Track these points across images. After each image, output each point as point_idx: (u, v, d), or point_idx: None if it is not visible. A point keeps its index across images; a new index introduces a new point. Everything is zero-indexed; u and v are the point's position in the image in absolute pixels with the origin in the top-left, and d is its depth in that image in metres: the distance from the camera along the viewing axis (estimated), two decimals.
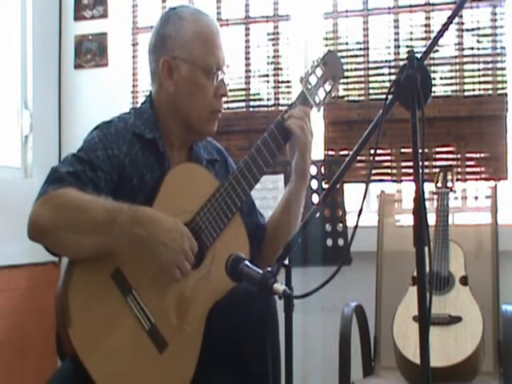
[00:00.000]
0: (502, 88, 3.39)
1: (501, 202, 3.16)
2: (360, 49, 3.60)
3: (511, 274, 3.12)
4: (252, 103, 3.74)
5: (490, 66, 3.42)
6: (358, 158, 1.79)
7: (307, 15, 3.68)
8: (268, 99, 3.73)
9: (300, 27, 3.69)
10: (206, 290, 1.96)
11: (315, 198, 2.66)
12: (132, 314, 1.85)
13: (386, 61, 3.57)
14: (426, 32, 3.51)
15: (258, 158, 2.04)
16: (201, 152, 2.15)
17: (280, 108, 3.64)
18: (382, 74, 3.59)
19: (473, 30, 3.45)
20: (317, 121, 3.51)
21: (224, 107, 2.13)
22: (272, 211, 2.21)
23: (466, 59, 3.45)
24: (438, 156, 3.45)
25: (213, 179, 2.06)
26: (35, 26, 3.76)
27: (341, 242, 2.75)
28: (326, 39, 3.65)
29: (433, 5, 3.50)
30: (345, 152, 3.55)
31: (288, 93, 3.68)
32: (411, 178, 1.52)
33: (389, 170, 3.51)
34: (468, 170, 3.41)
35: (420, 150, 1.52)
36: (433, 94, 1.57)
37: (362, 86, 3.60)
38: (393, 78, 3.47)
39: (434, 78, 3.48)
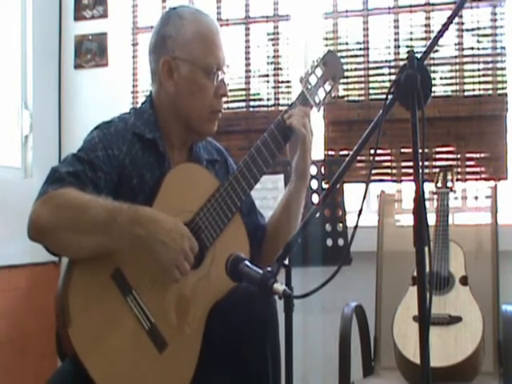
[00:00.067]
0: (502, 88, 3.39)
1: (501, 202, 3.16)
2: (360, 49, 3.60)
3: (511, 274, 3.12)
4: (252, 103, 3.74)
5: (490, 66, 3.42)
6: (358, 158, 1.80)
7: (307, 15, 3.68)
8: (268, 99, 3.73)
9: (300, 27, 3.69)
10: (206, 290, 1.96)
11: (315, 198, 2.66)
12: (132, 314, 1.85)
13: (386, 61, 3.57)
14: (426, 32, 3.51)
15: (258, 158, 2.04)
16: (201, 152, 2.15)
17: (280, 108, 3.64)
18: (382, 74, 3.59)
19: (473, 30, 3.45)
20: (317, 121, 3.51)
21: (224, 107, 2.13)
22: (272, 211, 2.21)
23: (465, 59, 3.45)
24: (438, 156, 3.45)
25: (213, 179, 2.06)
26: (35, 26, 3.76)
27: (341, 242, 2.75)
28: (326, 39, 3.65)
29: (433, 5, 3.50)
30: (345, 152, 3.55)
31: (288, 93, 3.68)
32: (411, 178, 1.52)
33: (389, 170, 3.51)
34: (468, 170, 3.41)
35: (420, 150, 1.52)
36: (433, 94, 1.57)
37: (362, 86, 3.60)
38: (393, 78, 3.47)
39: (434, 78, 3.48)
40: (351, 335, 2.77)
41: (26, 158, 3.76)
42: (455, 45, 3.46)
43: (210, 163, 2.15)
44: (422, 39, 3.52)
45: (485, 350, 2.72)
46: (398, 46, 3.54)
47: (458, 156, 3.43)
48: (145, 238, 1.82)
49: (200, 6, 2.24)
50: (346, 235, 2.75)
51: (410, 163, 1.53)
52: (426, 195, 1.54)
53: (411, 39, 3.54)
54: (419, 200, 1.50)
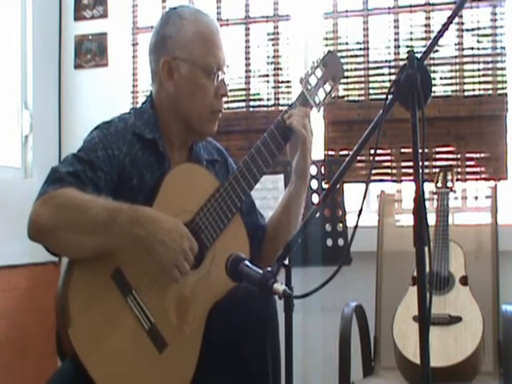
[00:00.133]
0: (502, 88, 3.39)
1: (501, 202, 3.16)
2: (360, 49, 3.60)
3: (511, 274, 3.12)
4: (252, 103, 3.74)
5: (490, 66, 3.42)
6: (358, 158, 1.80)
7: (307, 15, 3.68)
8: (268, 99, 3.73)
9: (300, 27, 3.69)
10: (206, 290, 1.96)
11: (315, 198, 2.66)
12: (132, 314, 1.85)
13: (386, 61, 3.57)
14: (426, 32, 3.51)
15: (258, 159, 2.04)
16: (201, 152, 2.15)
17: (280, 108, 3.64)
18: (382, 74, 3.59)
19: (473, 29, 3.45)
20: (317, 121, 3.51)
21: (224, 107, 2.13)
22: (272, 211, 2.21)
23: (465, 59, 3.45)
24: (438, 156, 3.45)
25: (213, 179, 2.06)
26: (35, 26, 3.76)
27: (341, 242, 2.75)
28: (326, 39, 3.65)
29: (433, 5, 3.50)
30: (345, 152, 3.55)
31: (288, 93, 3.68)
32: (411, 178, 1.52)
33: (389, 170, 3.51)
34: (468, 170, 3.41)
35: (420, 150, 1.52)
36: (433, 94, 1.57)
37: (362, 86, 3.60)
38: (393, 77, 3.47)
39: (434, 78, 3.48)
40: (351, 335, 2.77)
41: (26, 158, 3.76)
42: (455, 45, 3.46)
43: (210, 163, 2.15)
44: (422, 39, 3.52)
45: (485, 350, 2.72)
46: (398, 46, 3.54)
47: (458, 156, 3.43)
48: (145, 238, 1.82)
49: (200, 6, 2.24)
50: (346, 235, 2.75)
51: (410, 163, 1.53)
52: (426, 195, 1.54)
53: (411, 39, 3.54)
54: (419, 200, 1.50)
